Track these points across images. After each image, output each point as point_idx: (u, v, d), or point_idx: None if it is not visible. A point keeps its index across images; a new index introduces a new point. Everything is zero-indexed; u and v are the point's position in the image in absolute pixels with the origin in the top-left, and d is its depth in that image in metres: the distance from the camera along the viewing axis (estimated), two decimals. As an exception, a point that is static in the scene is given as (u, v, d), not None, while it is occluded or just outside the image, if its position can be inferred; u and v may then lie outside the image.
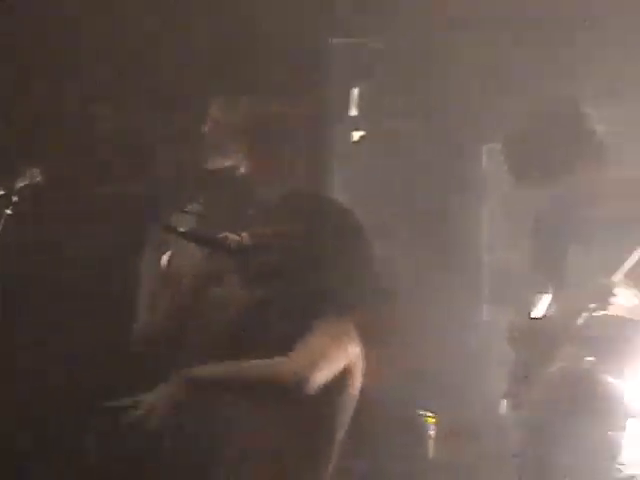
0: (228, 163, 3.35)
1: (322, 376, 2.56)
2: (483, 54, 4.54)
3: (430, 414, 4.20)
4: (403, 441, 4.17)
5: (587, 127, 3.38)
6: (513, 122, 3.51)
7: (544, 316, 3.36)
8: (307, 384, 2.51)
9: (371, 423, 3.73)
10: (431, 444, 4.20)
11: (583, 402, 3.25)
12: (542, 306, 3.36)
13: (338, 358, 2.65)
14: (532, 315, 3.36)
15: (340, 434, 2.78)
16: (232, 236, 2.70)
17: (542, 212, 3.49)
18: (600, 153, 3.33)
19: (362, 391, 2.82)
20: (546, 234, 3.46)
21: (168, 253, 2.78)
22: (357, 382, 2.78)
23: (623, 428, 3.22)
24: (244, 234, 2.73)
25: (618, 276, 3.10)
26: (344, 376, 2.71)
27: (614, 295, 3.11)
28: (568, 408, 3.24)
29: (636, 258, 3.11)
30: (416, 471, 4.13)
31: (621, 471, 3.16)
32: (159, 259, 2.81)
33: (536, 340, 3.33)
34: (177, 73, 4.25)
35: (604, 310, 3.17)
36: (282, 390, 2.57)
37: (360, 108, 4.61)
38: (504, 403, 3.53)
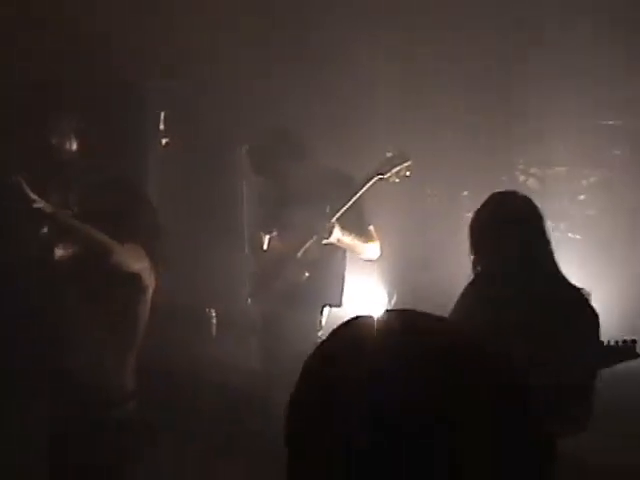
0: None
1: (115, 255, 3.14)
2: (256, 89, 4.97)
3: (214, 309, 4.99)
4: (196, 328, 4.98)
5: (296, 145, 4.10)
6: (254, 139, 4.27)
7: (271, 249, 4.16)
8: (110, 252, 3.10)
9: (172, 317, 4.45)
10: (214, 328, 5.02)
11: (294, 299, 4.11)
12: (266, 243, 4.20)
13: (126, 250, 3.20)
14: (264, 248, 4.22)
15: (140, 326, 3.30)
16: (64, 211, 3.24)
17: (265, 188, 4.36)
18: (302, 158, 4.15)
19: (163, 301, 3.37)
20: (269, 203, 4.29)
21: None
22: (150, 284, 3.30)
23: (320, 312, 4.14)
24: (75, 207, 3.36)
25: (332, 221, 3.91)
26: (139, 278, 3.25)
27: (332, 232, 3.90)
28: (286, 305, 4.11)
29: (340, 213, 3.92)
30: (203, 344, 4.92)
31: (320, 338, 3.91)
32: None
33: (268, 263, 4.20)
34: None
35: (326, 240, 3.90)
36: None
37: (166, 125, 5.42)
38: (250, 300, 4.43)
